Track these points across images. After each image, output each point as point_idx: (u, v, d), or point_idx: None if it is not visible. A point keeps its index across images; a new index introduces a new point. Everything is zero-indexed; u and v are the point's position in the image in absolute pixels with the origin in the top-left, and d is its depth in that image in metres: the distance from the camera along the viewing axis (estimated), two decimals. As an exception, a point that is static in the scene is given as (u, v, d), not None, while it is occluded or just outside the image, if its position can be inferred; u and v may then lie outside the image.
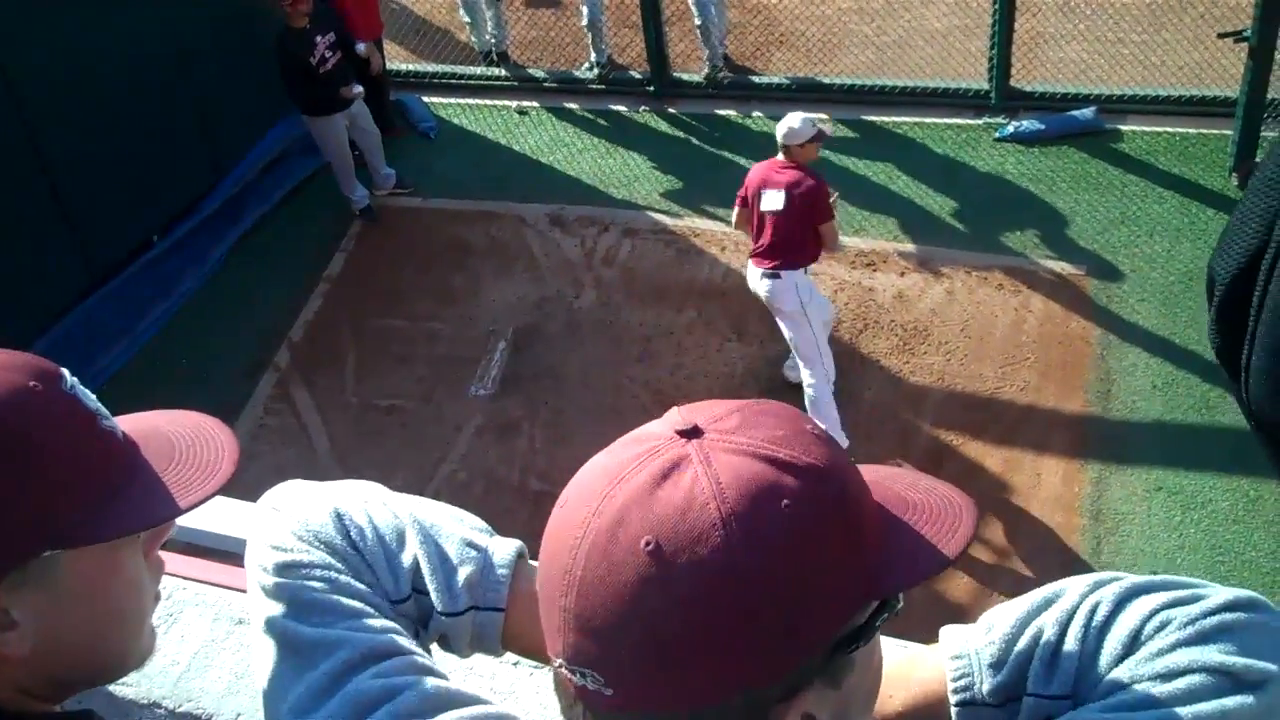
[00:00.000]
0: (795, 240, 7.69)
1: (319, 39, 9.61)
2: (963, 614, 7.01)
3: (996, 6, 9.86)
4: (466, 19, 11.79)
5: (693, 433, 1.11)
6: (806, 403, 7.97)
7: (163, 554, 2.17)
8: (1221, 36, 9.11)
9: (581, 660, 1.09)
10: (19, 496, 1.22)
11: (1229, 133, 9.35)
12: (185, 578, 2.12)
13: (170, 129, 9.84)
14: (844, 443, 7.93)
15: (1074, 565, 7.29)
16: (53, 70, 8.84)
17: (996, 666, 1.30)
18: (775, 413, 1.17)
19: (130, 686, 2.02)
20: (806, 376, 7.99)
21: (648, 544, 1.05)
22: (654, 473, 1.08)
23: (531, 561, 1.42)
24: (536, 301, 9.49)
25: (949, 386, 8.45)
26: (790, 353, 8.31)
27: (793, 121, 7.67)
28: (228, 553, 2.14)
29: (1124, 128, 9.96)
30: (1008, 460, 7.99)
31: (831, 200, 7.82)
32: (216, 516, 2.18)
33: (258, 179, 10.63)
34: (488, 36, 11.74)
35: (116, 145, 9.32)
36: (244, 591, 2.10)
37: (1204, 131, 9.72)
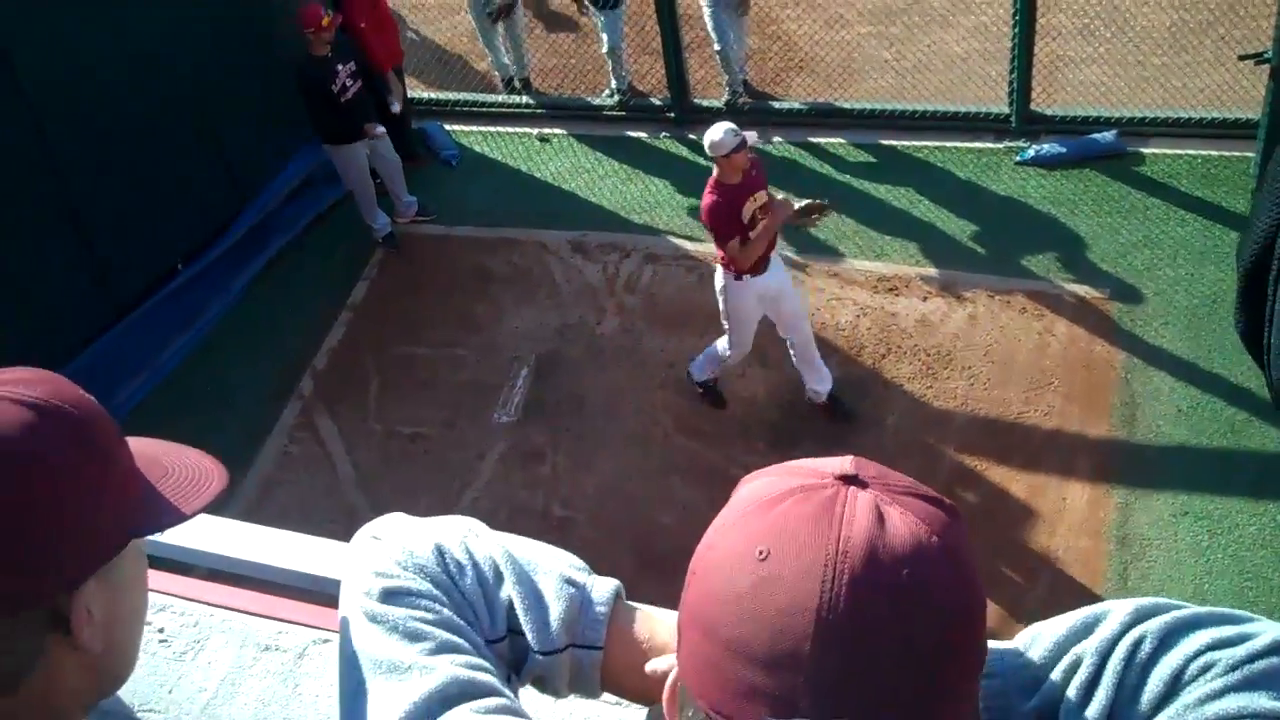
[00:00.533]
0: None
1: (340, 67, 9.67)
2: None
3: (1016, 30, 9.87)
4: (488, 50, 11.85)
5: (854, 479, 1.13)
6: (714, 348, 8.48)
7: (188, 580, 2.19)
8: (1243, 59, 9.10)
9: (835, 711, 1.07)
10: (108, 487, 1.29)
11: (1251, 155, 9.33)
12: (212, 604, 2.13)
13: (193, 158, 9.91)
14: (707, 373, 8.66)
15: (1101, 590, 7.26)
16: (77, 101, 8.91)
17: (1029, 691, 1.28)
18: (871, 461, 1.21)
19: (157, 713, 2.03)
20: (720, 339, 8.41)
21: (908, 576, 1.07)
22: (867, 514, 1.10)
23: (636, 605, 1.44)
24: (559, 328, 9.50)
25: (973, 411, 8.42)
26: (803, 377, 8.45)
27: (714, 133, 7.57)
28: (254, 579, 2.15)
29: (1146, 151, 9.94)
30: (1033, 485, 7.96)
31: (817, 215, 7.94)
32: (242, 544, 2.18)
33: (280, 208, 10.68)
34: (505, 60, 11.79)
35: (140, 175, 9.39)
36: (271, 618, 2.11)
37: (1226, 154, 9.70)
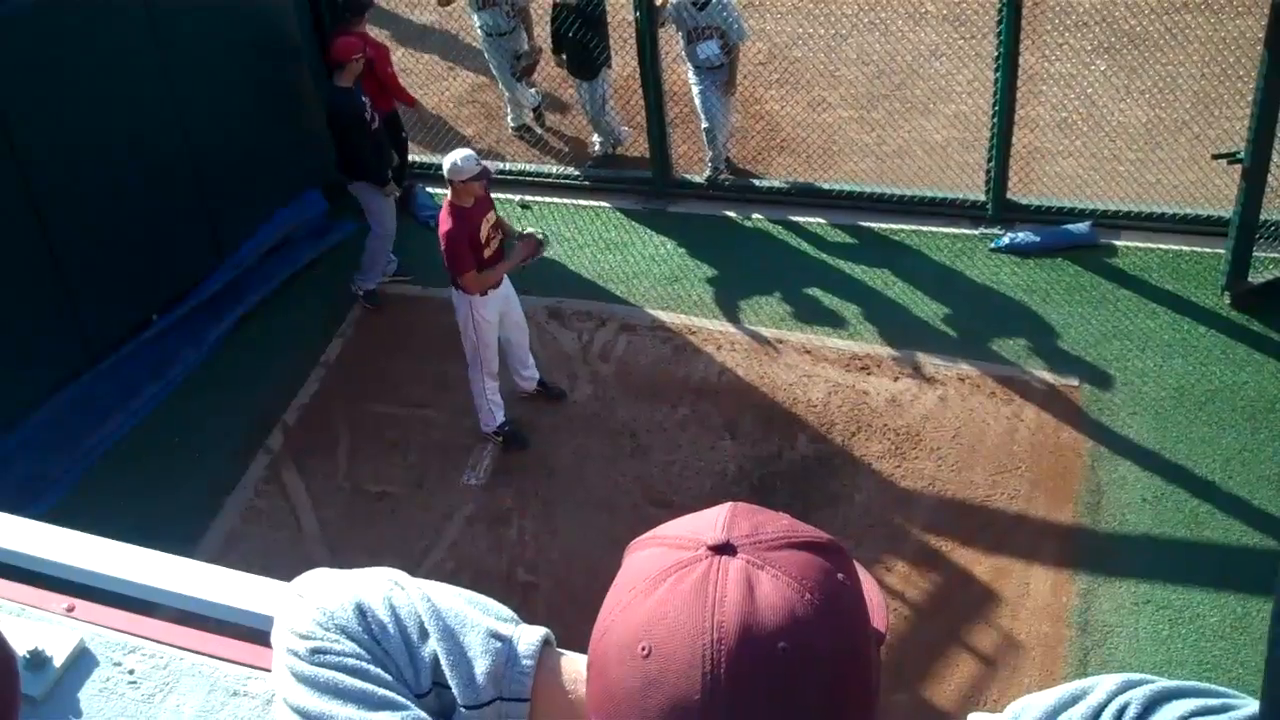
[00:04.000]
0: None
1: (365, 99, 9.78)
2: (948, 722, 6.98)
3: (995, 121, 10.04)
4: (507, 93, 12.00)
5: (726, 547, 1.19)
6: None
7: (159, 622, 2.19)
8: (1216, 158, 9.27)
9: None
10: None
11: (1222, 252, 9.47)
12: (182, 648, 2.13)
13: (174, 210, 9.90)
14: (498, 419, 9.07)
15: (1060, 676, 7.27)
16: (61, 149, 8.94)
17: None
18: (750, 508, 1.26)
19: (121, 755, 2.03)
20: (470, 372, 8.99)
21: (783, 648, 1.12)
22: (738, 588, 1.15)
23: (564, 651, 1.46)
24: (531, 393, 9.52)
25: (940, 492, 8.47)
26: (516, 373, 9.27)
27: (456, 157, 8.26)
28: (225, 623, 2.15)
29: (1118, 243, 10.08)
30: (997, 568, 7.99)
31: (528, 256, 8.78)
32: (214, 587, 2.19)
33: (259, 262, 10.69)
34: (531, 93, 11.98)
35: (120, 225, 9.39)
36: (241, 664, 2.12)
37: (1197, 249, 9.84)
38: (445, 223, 8.39)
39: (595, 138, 11.66)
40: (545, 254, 9.10)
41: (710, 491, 8.63)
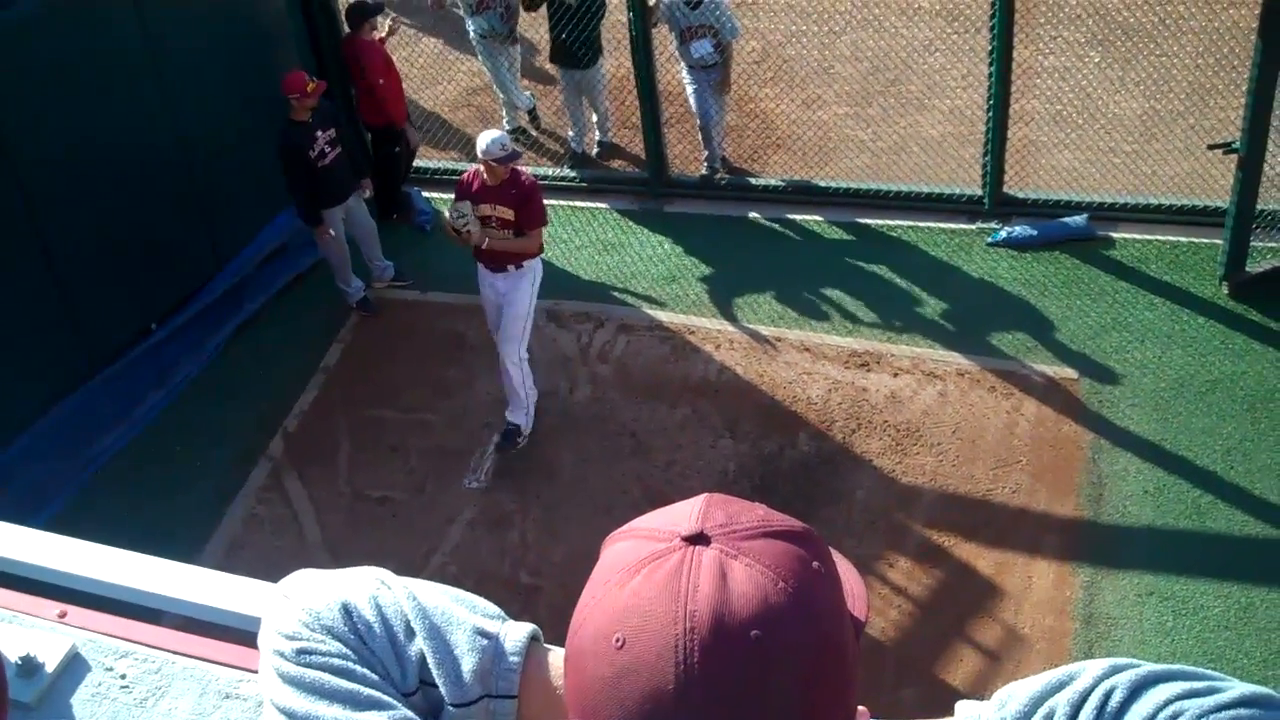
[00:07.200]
0: None
1: (320, 133, 9.72)
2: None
3: (990, 115, 10.03)
4: (502, 95, 12.09)
5: (700, 537, 1.19)
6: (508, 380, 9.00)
7: (151, 627, 2.19)
8: (1211, 148, 9.27)
9: None
10: None
11: (1219, 242, 9.47)
12: (174, 651, 2.13)
13: (172, 219, 9.90)
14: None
15: (1065, 669, 7.26)
16: (58, 159, 8.93)
17: None
18: (725, 498, 1.27)
19: (114, 760, 2.02)
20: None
21: (756, 637, 1.12)
22: (711, 577, 1.16)
23: (551, 647, 1.45)
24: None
25: (941, 488, 8.46)
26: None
27: (486, 137, 8.55)
28: (217, 627, 2.15)
29: (1116, 235, 10.08)
30: (999, 563, 7.99)
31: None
32: (207, 591, 2.19)
33: (257, 270, 10.69)
34: (525, 95, 12.09)
35: (118, 234, 9.39)
36: (233, 666, 2.11)
37: (1195, 240, 9.84)
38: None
39: (594, 136, 11.69)
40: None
41: (710, 491, 8.60)
